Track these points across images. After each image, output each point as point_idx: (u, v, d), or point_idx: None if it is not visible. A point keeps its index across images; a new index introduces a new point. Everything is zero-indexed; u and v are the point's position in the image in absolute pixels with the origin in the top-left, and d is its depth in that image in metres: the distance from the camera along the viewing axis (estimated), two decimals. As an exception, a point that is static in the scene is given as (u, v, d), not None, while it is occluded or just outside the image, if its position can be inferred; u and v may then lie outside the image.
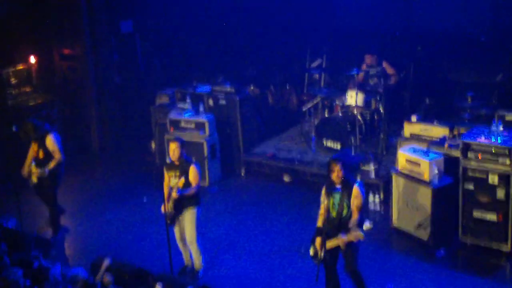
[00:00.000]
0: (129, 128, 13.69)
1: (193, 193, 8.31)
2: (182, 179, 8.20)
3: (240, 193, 11.42)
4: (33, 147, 9.82)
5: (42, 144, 9.71)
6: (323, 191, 7.57)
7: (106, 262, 7.75)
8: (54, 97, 12.94)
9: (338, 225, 7.42)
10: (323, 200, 7.53)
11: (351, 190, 7.40)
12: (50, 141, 9.70)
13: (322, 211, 7.53)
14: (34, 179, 9.76)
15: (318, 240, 7.44)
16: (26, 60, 12.60)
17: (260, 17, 14.07)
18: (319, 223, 7.53)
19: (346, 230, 7.28)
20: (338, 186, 7.45)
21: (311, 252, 7.56)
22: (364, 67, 12.27)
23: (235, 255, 9.23)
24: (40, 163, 9.70)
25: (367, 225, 9.74)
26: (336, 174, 7.39)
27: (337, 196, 7.45)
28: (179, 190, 8.17)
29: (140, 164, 12.70)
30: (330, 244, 7.33)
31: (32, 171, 9.75)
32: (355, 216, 7.36)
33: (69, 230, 10.24)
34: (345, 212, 7.41)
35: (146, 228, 10.10)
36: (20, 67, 12.56)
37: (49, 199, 9.99)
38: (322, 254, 7.32)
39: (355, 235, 7.13)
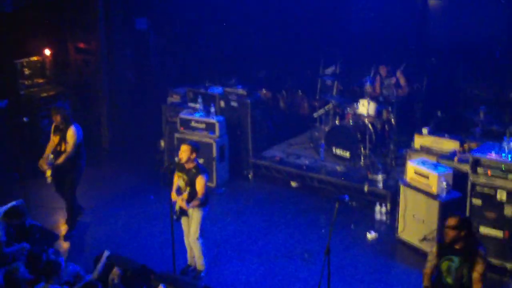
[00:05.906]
0: (139, 125, 13.69)
1: (198, 203, 8.27)
2: (185, 194, 8.18)
3: (247, 196, 11.42)
4: (54, 139, 9.67)
5: (64, 137, 9.57)
6: (434, 250, 6.64)
7: (105, 254, 7.77)
8: (67, 90, 12.96)
9: None
10: (431, 259, 6.66)
11: (476, 257, 6.30)
12: (70, 133, 9.52)
13: (427, 270, 6.71)
14: (49, 172, 9.53)
15: None
16: (41, 52, 12.62)
17: (276, 21, 14.07)
18: (425, 282, 6.72)
19: None
20: (459, 249, 6.44)
21: None
22: (378, 78, 12.27)
23: (239, 258, 9.23)
24: (60, 156, 9.55)
25: (371, 234, 9.75)
26: (456, 234, 6.37)
27: (456, 260, 6.46)
28: (186, 203, 8.17)
29: (148, 161, 12.70)
30: None
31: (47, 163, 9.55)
32: None
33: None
34: (464, 280, 6.39)
35: (152, 226, 10.10)
36: (34, 58, 12.57)
37: (65, 192, 9.82)
38: None
39: None
